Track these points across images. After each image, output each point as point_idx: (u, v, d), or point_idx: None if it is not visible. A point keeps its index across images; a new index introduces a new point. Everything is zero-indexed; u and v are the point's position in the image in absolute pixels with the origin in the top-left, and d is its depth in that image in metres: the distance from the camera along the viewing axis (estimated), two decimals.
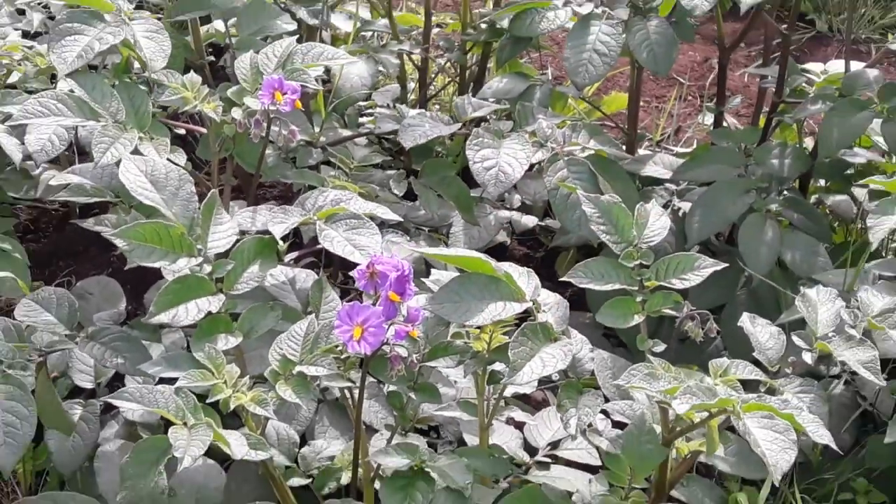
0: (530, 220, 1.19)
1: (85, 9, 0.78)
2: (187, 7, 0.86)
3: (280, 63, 0.76)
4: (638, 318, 0.68)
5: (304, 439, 0.77)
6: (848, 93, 0.97)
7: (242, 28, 0.93)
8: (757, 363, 0.71)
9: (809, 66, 1.20)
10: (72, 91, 0.72)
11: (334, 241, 0.68)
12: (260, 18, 0.94)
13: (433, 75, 1.30)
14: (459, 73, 1.22)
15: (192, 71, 0.83)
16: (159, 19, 0.80)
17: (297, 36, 0.86)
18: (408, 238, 0.95)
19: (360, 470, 0.69)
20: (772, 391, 0.68)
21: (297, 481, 0.72)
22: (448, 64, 1.27)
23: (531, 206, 1.20)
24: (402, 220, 0.91)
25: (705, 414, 0.59)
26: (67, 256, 1.15)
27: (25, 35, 1.08)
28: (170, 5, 0.90)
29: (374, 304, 0.59)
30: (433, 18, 1.23)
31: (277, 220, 0.69)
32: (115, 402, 0.61)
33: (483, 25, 1.11)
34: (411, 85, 1.26)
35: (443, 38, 1.18)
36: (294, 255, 0.77)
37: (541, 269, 1.00)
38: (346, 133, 1.07)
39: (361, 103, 1.15)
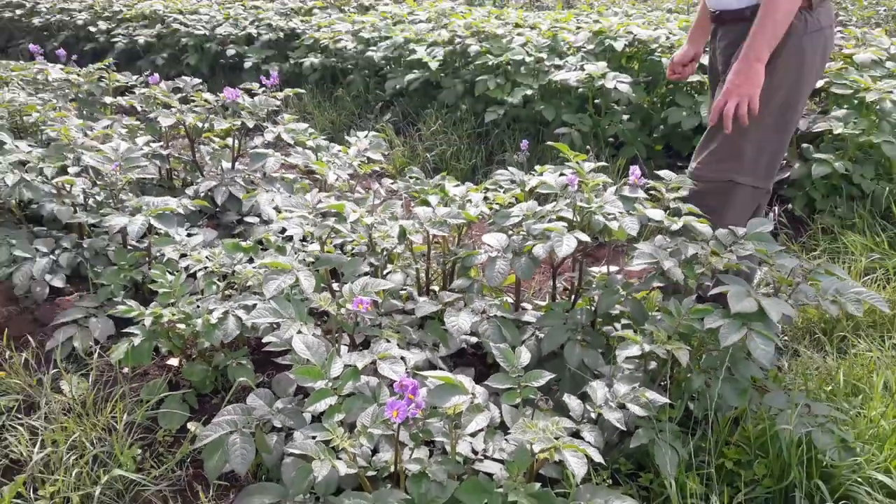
0: (473, 339, 2.07)
1: (279, 270, 1.66)
2: (322, 264, 1.75)
3: (362, 289, 1.62)
4: (519, 399, 1.55)
5: (374, 451, 1.59)
6: (609, 284, 1.90)
7: (346, 271, 1.81)
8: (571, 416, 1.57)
9: (594, 269, 2.14)
10: (271, 304, 1.57)
11: (384, 369, 1.53)
12: (351, 266, 1.81)
13: (432, 274, 2.23)
14: (444, 274, 2.14)
15: (325, 290, 1.71)
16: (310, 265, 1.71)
17: (368, 273, 1.79)
18: (421, 351, 1.82)
19: (399, 468, 1.52)
20: (577, 434, 1.54)
21: (369, 473, 1.54)
22: (439, 269, 2.20)
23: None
24: (419, 353, 1.79)
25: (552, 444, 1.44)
26: (264, 369, 2.01)
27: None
28: (313, 260, 1.81)
29: (401, 399, 1.44)
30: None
31: (358, 360, 1.55)
32: (290, 449, 1.45)
33: (457, 251, 2.05)
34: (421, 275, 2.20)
35: (436, 258, 2.11)
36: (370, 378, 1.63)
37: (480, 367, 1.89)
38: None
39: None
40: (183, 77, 3.29)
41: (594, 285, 1.84)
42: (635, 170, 1.95)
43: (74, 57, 4.14)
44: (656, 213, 1.77)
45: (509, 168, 2.16)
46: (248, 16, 5.78)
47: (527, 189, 2.03)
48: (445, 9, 5.43)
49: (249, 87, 3.13)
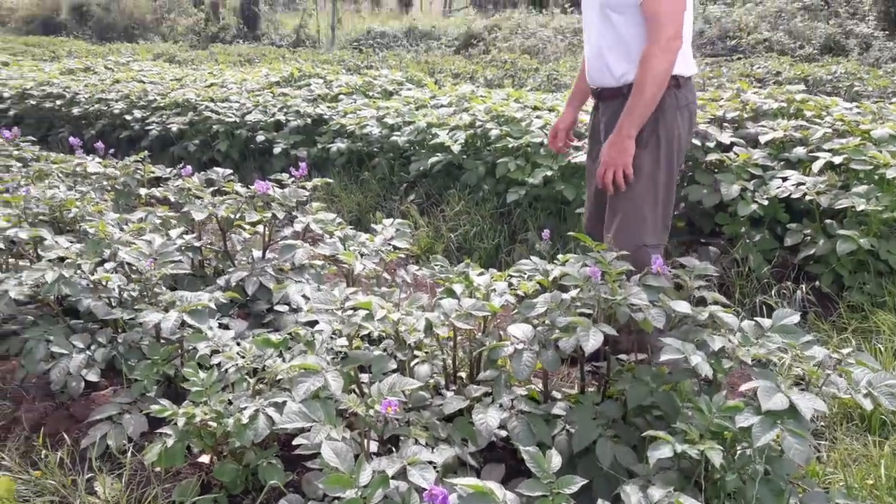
0: (503, 433, 2.04)
1: (308, 371, 1.69)
2: (350, 362, 1.78)
3: (390, 389, 1.63)
4: None
5: None
6: (638, 376, 1.89)
7: (374, 368, 1.83)
8: None
9: (622, 357, 2.14)
10: (300, 406, 1.59)
11: (414, 476, 1.52)
12: (379, 367, 1.83)
13: (459, 361, 2.24)
14: (470, 362, 2.15)
15: (353, 387, 1.73)
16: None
17: (395, 369, 1.81)
18: (450, 447, 1.80)
19: None
20: None
21: None
22: (465, 356, 2.22)
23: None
24: (448, 449, 1.78)
25: None
26: (294, 466, 2.00)
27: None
28: (340, 360, 1.84)
29: None
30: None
31: (388, 466, 1.55)
32: None
33: (484, 339, 2.07)
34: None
35: (461, 344, 2.12)
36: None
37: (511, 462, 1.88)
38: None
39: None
40: (215, 168, 3.42)
41: (623, 376, 1.84)
42: (658, 259, 1.98)
43: (112, 151, 4.31)
44: (682, 306, 1.78)
45: (532, 258, 2.19)
46: (276, 103, 6.01)
47: (550, 279, 2.06)
48: (466, 93, 5.60)
49: (279, 177, 3.24)
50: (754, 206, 3.44)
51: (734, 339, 1.68)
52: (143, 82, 7.66)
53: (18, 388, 2.47)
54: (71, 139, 4.43)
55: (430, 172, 4.84)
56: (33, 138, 4.91)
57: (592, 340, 1.65)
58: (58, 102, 7.55)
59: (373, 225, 2.93)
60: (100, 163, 3.66)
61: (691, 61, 2.39)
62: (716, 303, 1.87)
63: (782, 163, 3.74)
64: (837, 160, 3.31)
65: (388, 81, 6.63)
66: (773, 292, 3.32)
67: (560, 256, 2.14)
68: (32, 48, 16.18)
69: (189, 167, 3.35)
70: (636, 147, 2.30)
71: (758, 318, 1.77)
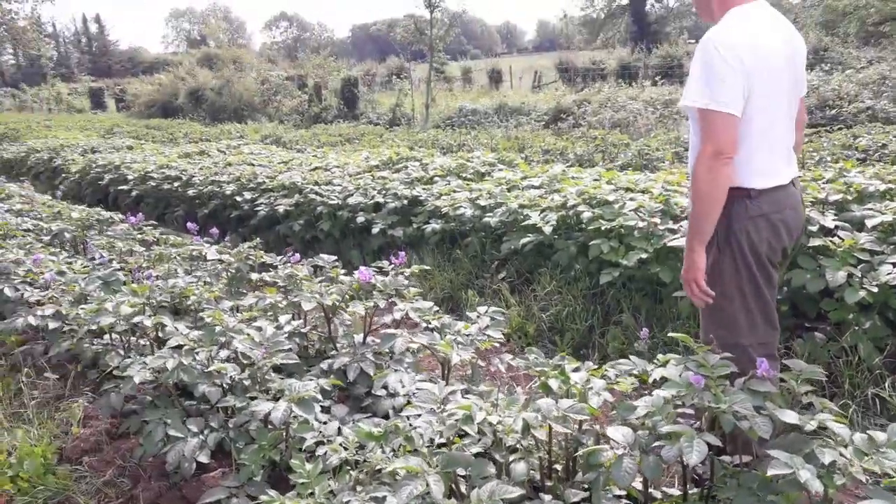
0: None
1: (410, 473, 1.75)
2: (450, 465, 1.85)
3: (489, 496, 1.67)
4: None
5: None
6: (743, 483, 1.83)
7: (473, 473, 1.88)
8: None
9: (725, 458, 2.05)
10: None
11: None
12: (478, 469, 1.87)
13: (554, 458, 2.25)
14: (567, 459, 2.15)
15: (451, 497, 1.79)
16: None
17: (494, 473, 1.85)
18: None
19: None
20: None
21: None
22: (562, 453, 2.23)
23: None
24: None
25: None
26: None
27: None
28: (439, 459, 1.90)
29: None
30: None
31: None
32: None
33: (581, 437, 2.07)
34: None
35: (557, 443, 2.15)
36: None
37: None
38: None
39: None
40: (321, 255, 3.62)
41: (728, 482, 1.79)
42: (763, 363, 1.94)
43: (227, 238, 4.64)
44: (789, 416, 1.73)
45: (631, 357, 2.19)
46: (375, 185, 6.30)
47: (650, 381, 2.05)
48: (557, 173, 5.70)
49: (380, 265, 3.39)
50: (863, 293, 3.30)
51: (846, 452, 1.62)
52: (253, 165, 8.22)
53: (136, 466, 2.65)
54: (188, 224, 4.80)
55: (522, 251, 4.91)
56: (154, 223, 5.35)
57: (696, 453, 1.62)
58: (175, 184, 8.19)
59: (468, 313, 3.00)
60: (217, 249, 3.94)
61: (771, 171, 2.30)
62: (824, 409, 1.81)
63: (892, 246, 3.58)
64: None
65: (481, 163, 6.84)
66: (886, 384, 3.14)
67: (660, 356, 2.13)
68: (153, 130, 17.72)
69: (297, 254, 3.56)
70: (719, 252, 2.30)
71: (871, 432, 1.70)
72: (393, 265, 3.36)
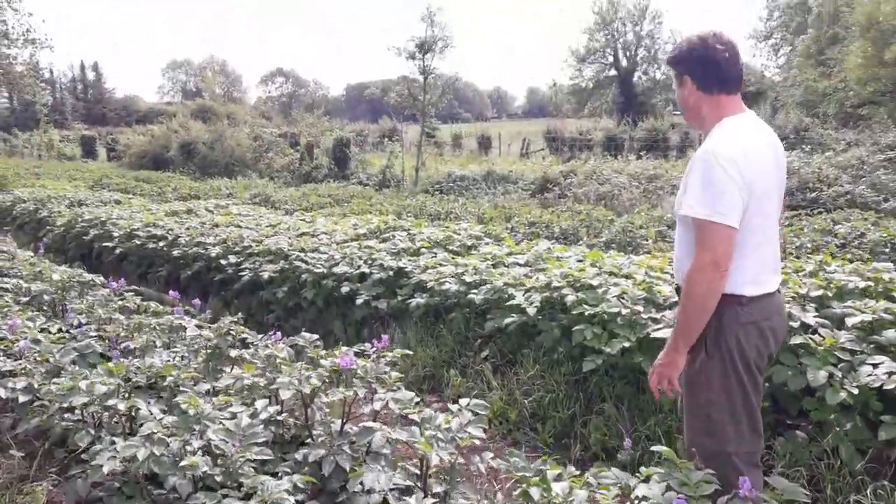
0: None
1: None
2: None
3: None
4: None
5: None
6: None
7: None
8: None
9: None
10: None
11: None
12: None
13: None
14: None
15: None
16: None
17: None
18: None
19: None
20: None
21: None
22: None
23: None
24: None
25: None
26: None
27: None
28: None
29: None
30: None
31: None
32: None
33: None
34: None
35: None
36: None
37: None
38: None
39: None
40: (303, 334, 3.59)
41: None
42: (745, 482, 1.92)
43: (206, 308, 4.59)
44: None
45: (613, 469, 2.16)
46: (362, 255, 6.31)
47: (632, 496, 2.01)
48: (542, 251, 5.74)
49: (363, 347, 3.36)
50: (843, 395, 3.30)
51: None
52: (240, 227, 8.22)
53: None
54: (171, 292, 4.76)
55: (505, 330, 4.90)
56: (135, 287, 5.29)
57: None
58: (160, 243, 8.16)
59: (449, 405, 2.97)
60: (196, 325, 3.90)
61: (762, 280, 2.36)
62: None
63: (872, 346, 3.61)
64: None
65: (468, 236, 6.89)
66: (868, 491, 3.11)
67: (643, 469, 2.10)
68: (142, 183, 17.75)
69: (279, 333, 3.53)
70: (707, 357, 2.34)
71: None
72: (375, 348, 3.33)
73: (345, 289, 5.89)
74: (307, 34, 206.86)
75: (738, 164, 2.21)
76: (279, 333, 3.57)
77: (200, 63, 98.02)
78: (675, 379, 2.37)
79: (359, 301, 5.74)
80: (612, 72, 48.76)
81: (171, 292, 4.79)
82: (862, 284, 3.93)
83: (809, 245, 6.76)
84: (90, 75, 75.36)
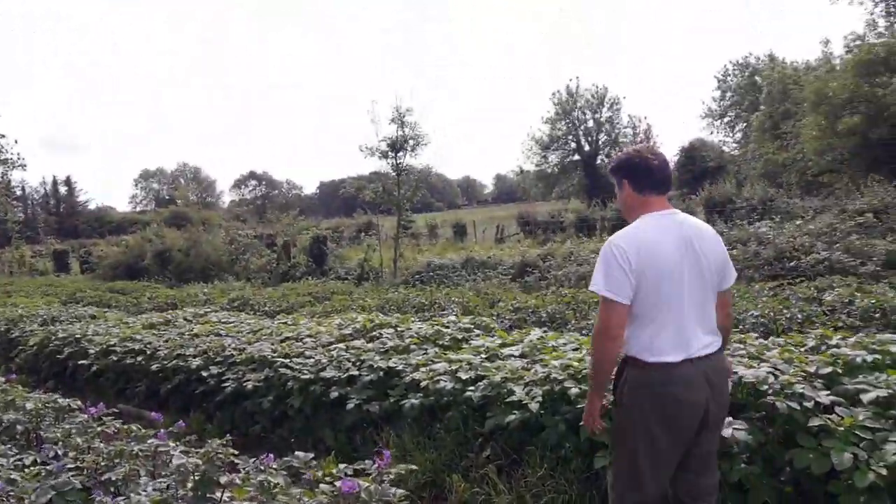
0: None
1: None
2: None
3: None
4: None
5: None
6: None
7: None
8: None
9: None
10: None
11: None
12: None
13: None
14: None
15: None
16: None
17: None
18: None
19: None
20: None
21: None
22: None
23: None
24: None
25: None
26: None
27: None
28: None
29: None
30: None
31: None
32: None
33: None
34: None
35: None
36: None
37: None
38: None
39: None
40: (297, 454, 3.37)
41: None
42: None
43: (188, 421, 4.35)
44: None
45: None
46: (350, 356, 6.11)
47: None
48: (535, 340, 5.61)
49: (363, 465, 3.16)
50: (872, 477, 3.15)
51: None
52: (221, 335, 7.98)
53: None
54: (153, 414, 4.51)
55: (507, 428, 4.69)
56: (114, 410, 5.02)
57: None
58: (138, 358, 7.87)
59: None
60: (182, 451, 3.66)
61: (660, 349, 2.73)
62: None
63: (890, 421, 3.49)
64: None
65: (458, 329, 6.74)
66: None
67: None
68: (117, 294, 17.41)
69: (271, 455, 3.31)
70: (617, 409, 2.90)
71: None
72: (377, 465, 3.12)
73: (334, 394, 5.66)
74: (279, 136, 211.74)
75: (628, 253, 2.68)
76: (271, 455, 3.35)
77: (173, 171, 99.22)
78: (596, 421, 2.97)
79: (349, 406, 5.51)
80: (576, 157, 50.24)
81: (152, 414, 4.54)
82: (870, 358, 3.84)
83: (800, 316, 6.72)
84: (62, 189, 75.66)
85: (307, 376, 5.96)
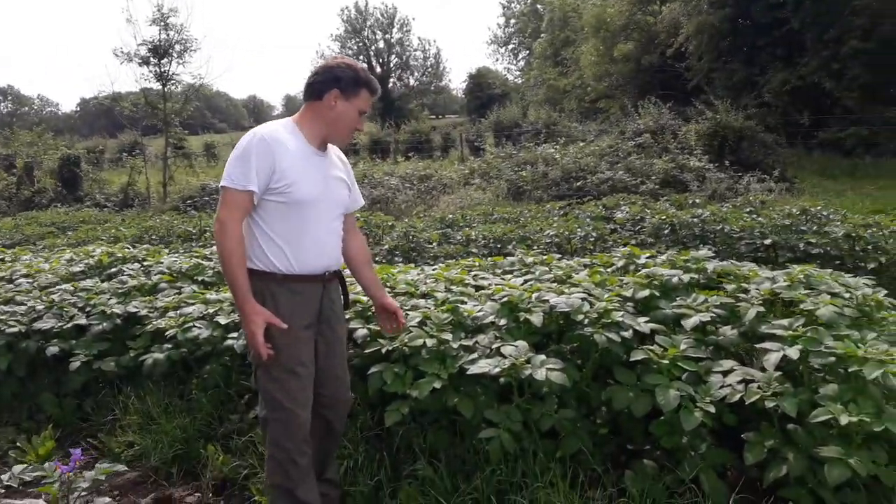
0: None
1: None
2: None
3: None
4: None
5: None
6: None
7: None
8: None
9: None
10: None
11: None
12: None
13: None
14: None
15: None
16: None
17: None
18: None
19: None
20: None
21: None
22: None
23: None
24: None
25: None
26: None
27: None
28: None
29: None
30: None
31: None
32: None
33: None
34: None
35: None
36: None
37: None
38: None
39: None
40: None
41: None
42: None
43: None
44: None
45: None
46: (77, 301, 4.75)
47: None
48: None
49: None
50: (699, 416, 2.72)
51: None
52: None
53: None
54: None
55: None
56: None
57: None
58: None
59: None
60: None
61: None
62: None
63: (710, 347, 3.12)
64: (794, 354, 2.69)
65: None
66: None
67: None
68: None
69: None
70: None
71: None
72: (62, 471, 2.06)
73: (53, 349, 4.33)
74: (28, 44, 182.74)
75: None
76: None
77: None
78: (257, 335, 2.62)
79: (75, 364, 4.23)
80: None
81: None
82: (686, 278, 3.44)
83: (594, 234, 6.51)
84: None
85: (15, 329, 4.51)
